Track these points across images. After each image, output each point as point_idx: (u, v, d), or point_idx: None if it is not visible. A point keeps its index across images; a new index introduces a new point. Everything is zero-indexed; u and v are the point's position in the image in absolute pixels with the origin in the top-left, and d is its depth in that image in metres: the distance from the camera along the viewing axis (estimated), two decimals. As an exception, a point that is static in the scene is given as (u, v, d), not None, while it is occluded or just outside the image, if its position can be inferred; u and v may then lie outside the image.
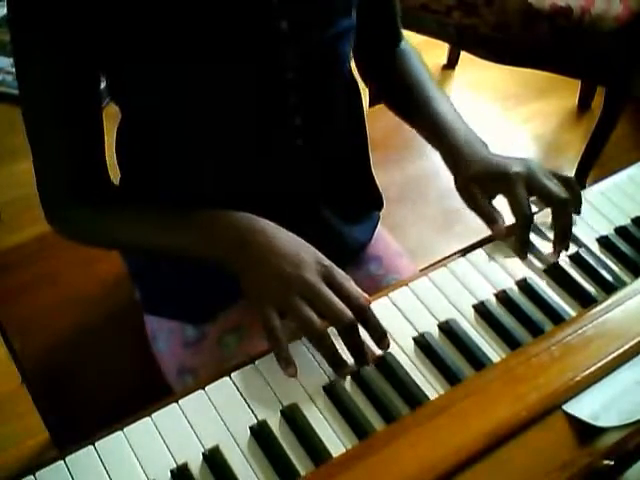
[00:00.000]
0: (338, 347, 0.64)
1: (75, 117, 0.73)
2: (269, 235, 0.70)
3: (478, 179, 0.78)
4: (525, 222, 0.75)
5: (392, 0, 0.90)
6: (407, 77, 0.91)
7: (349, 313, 0.64)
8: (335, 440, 0.62)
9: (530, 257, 0.77)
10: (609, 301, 0.70)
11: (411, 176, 0.88)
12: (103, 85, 0.74)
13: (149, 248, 0.79)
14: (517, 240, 0.77)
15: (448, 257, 0.77)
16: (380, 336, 0.66)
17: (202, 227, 0.74)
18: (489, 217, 0.77)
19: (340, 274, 0.67)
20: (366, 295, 0.68)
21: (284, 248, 0.68)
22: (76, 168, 0.76)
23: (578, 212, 0.80)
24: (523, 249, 0.77)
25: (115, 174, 0.85)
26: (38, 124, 0.73)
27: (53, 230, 0.80)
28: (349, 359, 0.65)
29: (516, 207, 0.75)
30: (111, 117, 0.80)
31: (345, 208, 0.90)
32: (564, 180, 0.79)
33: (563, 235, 0.76)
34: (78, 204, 0.78)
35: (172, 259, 0.83)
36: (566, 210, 0.76)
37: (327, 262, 0.68)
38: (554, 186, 0.76)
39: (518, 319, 0.72)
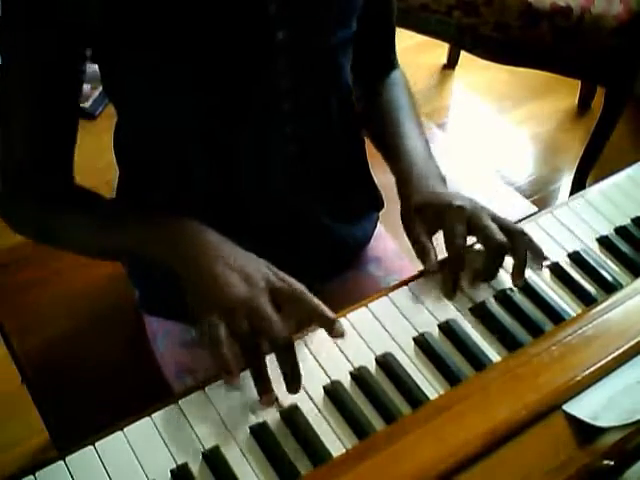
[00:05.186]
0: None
1: (49, 109, 0.72)
2: (215, 245, 0.69)
3: (420, 210, 0.77)
4: (456, 256, 0.72)
5: (389, 28, 0.89)
6: (386, 110, 0.89)
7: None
8: (335, 440, 0.62)
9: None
10: (609, 301, 0.70)
11: (411, 176, 0.89)
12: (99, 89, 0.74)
13: (94, 247, 0.78)
14: (446, 276, 0.73)
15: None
16: (334, 327, 0.65)
17: (152, 227, 0.73)
18: (420, 250, 0.74)
19: (283, 289, 0.66)
20: (323, 307, 0.66)
21: (228, 258, 0.68)
22: (35, 160, 0.75)
23: (523, 260, 0.74)
24: (452, 286, 0.73)
25: (116, 173, 0.85)
26: (9, 105, 0.72)
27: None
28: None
29: (450, 239, 0.73)
30: (112, 116, 0.80)
31: (344, 209, 0.90)
32: (509, 229, 0.74)
33: (486, 275, 0.74)
34: (28, 196, 0.77)
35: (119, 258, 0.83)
36: (500, 256, 0.73)
37: (271, 278, 0.66)
38: (495, 229, 0.73)
39: (518, 319, 0.72)
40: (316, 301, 0.66)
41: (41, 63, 0.69)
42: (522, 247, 0.73)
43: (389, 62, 0.94)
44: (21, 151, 0.74)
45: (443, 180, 0.81)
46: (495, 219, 0.74)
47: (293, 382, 0.63)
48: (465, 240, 0.73)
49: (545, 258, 0.75)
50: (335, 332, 0.65)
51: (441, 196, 0.77)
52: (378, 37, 0.87)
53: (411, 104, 0.92)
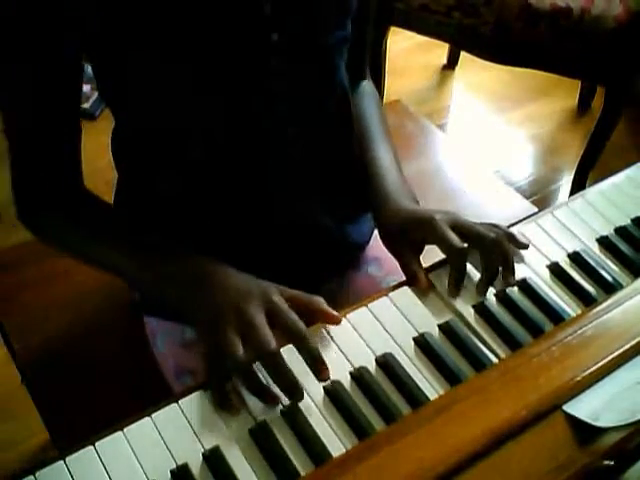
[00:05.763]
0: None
1: (51, 120, 0.73)
2: (220, 274, 0.70)
3: (402, 229, 0.77)
4: (458, 256, 0.72)
5: (363, 37, 0.89)
6: (356, 124, 0.89)
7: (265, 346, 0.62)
8: (335, 440, 0.62)
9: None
10: (609, 301, 0.70)
11: (411, 176, 0.88)
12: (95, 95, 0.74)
13: (107, 268, 0.81)
14: (451, 278, 0.73)
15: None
16: (319, 366, 0.64)
17: (158, 264, 0.74)
18: (412, 276, 0.74)
19: (284, 310, 0.66)
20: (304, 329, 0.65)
21: (234, 284, 0.68)
22: (48, 171, 0.76)
23: (522, 247, 0.77)
24: (457, 287, 0.73)
25: (113, 175, 0.85)
26: (15, 120, 0.73)
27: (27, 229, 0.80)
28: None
29: (445, 244, 0.73)
30: (110, 119, 0.80)
31: (344, 209, 0.90)
32: (491, 224, 0.76)
33: (492, 275, 0.73)
34: (49, 209, 0.78)
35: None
36: (501, 247, 0.73)
37: (270, 293, 0.66)
38: (481, 226, 0.74)
39: (518, 319, 0.72)
40: (301, 326, 0.65)
41: (41, 69, 0.69)
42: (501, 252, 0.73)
43: (359, 71, 0.93)
44: (32, 161, 0.75)
45: (415, 199, 0.82)
46: (474, 226, 0.75)
47: (290, 391, 0.63)
48: (462, 242, 0.73)
49: (514, 279, 0.74)
50: (315, 365, 0.64)
51: (420, 212, 0.77)
52: (352, 44, 0.84)
53: (381, 117, 0.92)
